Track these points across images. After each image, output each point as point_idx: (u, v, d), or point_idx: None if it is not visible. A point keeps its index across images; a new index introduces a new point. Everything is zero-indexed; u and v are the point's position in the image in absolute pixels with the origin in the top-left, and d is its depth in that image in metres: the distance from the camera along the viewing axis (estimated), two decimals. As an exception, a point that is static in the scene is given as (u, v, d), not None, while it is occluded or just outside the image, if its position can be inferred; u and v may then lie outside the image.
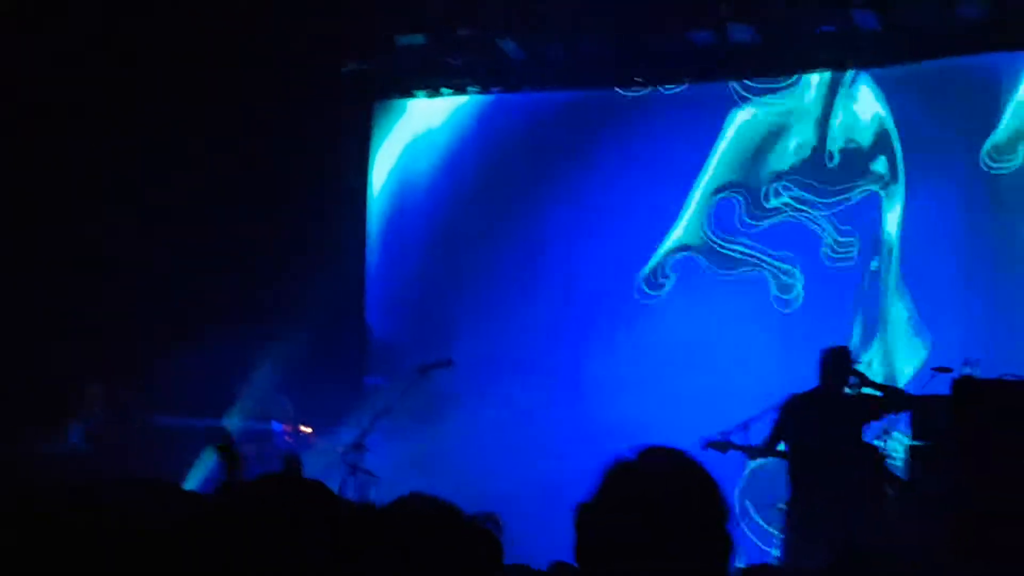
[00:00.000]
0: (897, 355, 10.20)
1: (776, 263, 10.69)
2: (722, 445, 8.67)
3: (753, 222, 10.80)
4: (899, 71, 10.39)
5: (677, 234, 11.01)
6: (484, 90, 11.57)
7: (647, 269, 11.06)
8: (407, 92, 11.79)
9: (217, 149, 10.78)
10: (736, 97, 10.91)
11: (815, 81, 10.73)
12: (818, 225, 10.59)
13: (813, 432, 8.24)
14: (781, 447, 8.50)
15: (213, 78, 10.66)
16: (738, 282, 10.74)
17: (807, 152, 10.72)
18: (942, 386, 7.85)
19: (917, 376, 9.75)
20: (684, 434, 8.76)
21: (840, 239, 10.51)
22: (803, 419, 8.32)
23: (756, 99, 10.87)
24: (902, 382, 9.78)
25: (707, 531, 2.41)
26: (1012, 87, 10.03)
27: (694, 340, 10.36)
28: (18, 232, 10.19)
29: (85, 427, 9.67)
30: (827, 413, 8.22)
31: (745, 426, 9.01)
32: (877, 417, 8.36)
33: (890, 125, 10.46)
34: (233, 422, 10.27)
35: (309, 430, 9.98)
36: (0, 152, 10.16)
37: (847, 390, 8.41)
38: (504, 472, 9.35)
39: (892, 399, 8.39)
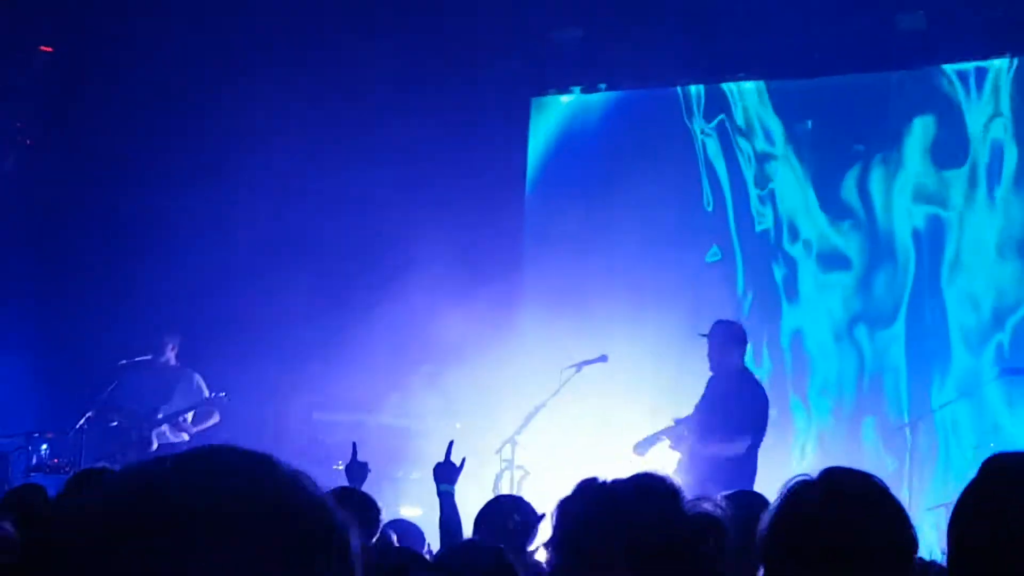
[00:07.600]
0: None
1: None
2: None
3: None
4: None
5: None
6: (638, 85, 11.40)
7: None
8: (563, 88, 11.69)
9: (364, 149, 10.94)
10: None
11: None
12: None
13: None
14: None
15: (376, 82, 10.84)
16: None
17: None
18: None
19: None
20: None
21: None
22: None
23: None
24: None
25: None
26: None
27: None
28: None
29: None
30: None
31: None
32: None
33: None
34: (382, 419, 10.33)
35: (459, 426, 9.91)
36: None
37: None
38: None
39: None
